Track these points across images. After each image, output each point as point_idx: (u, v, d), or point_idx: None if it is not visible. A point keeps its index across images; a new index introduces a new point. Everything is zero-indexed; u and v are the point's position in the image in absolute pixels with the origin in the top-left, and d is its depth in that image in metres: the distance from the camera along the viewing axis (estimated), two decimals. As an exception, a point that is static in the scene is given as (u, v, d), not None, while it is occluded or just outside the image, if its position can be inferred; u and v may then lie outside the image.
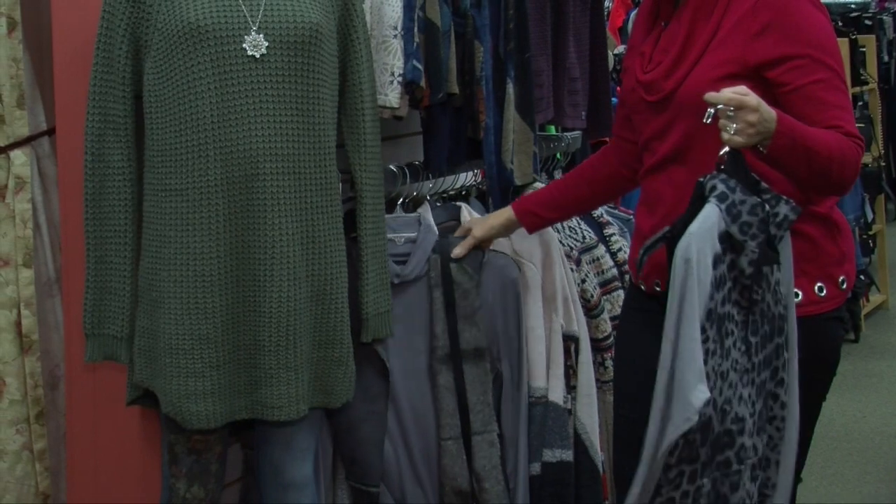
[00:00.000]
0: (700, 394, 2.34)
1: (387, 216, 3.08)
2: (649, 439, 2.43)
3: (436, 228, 3.19)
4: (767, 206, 2.46)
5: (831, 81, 2.59)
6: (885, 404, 5.61)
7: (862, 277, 6.71)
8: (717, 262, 2.40)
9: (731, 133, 2.42)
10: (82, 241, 2.77)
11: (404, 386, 3.13)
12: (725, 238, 2.42)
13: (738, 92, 2.42)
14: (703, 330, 2.37)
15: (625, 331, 3.01)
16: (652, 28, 2.84)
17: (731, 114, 2.41)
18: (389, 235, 3.09)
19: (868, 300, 7.04)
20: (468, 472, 3.12)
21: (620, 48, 5.19)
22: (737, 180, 2.43)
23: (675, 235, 2.45)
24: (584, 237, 3.57)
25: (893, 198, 8.15)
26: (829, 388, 2.79)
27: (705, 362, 2.37)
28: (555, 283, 3.31)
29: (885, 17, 9.33)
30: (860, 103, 7.22)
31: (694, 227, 2.39)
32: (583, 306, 3.41)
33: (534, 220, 3.14)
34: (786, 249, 2.55)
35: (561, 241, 3.46)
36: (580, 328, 3.34)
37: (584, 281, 3.48)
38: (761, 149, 2.47)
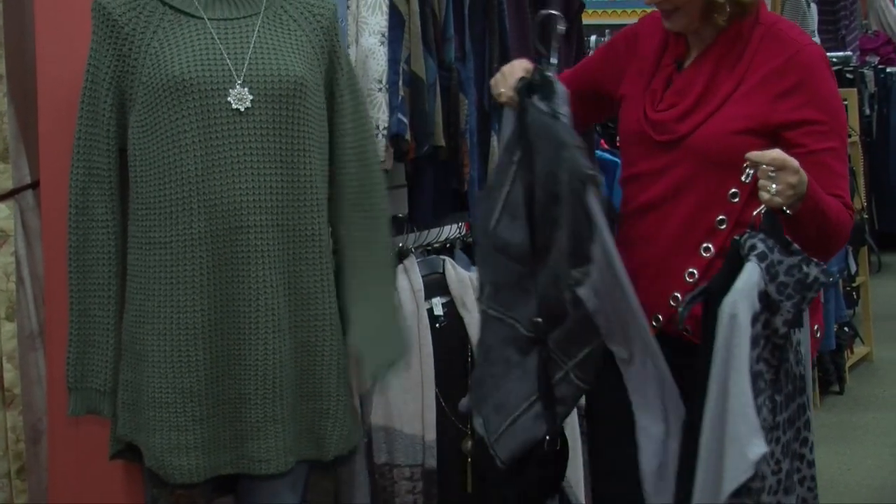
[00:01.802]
0: (756, 448, 2.37)
1: None
2: (700, 498, 2.45)
3: None
4: (804, 267, 2.48)
5: (840, 151, 2.67)
6: (870, 457, 5.60)
7: (846, 329, 6.72)
8: (754, 320, 2.42)
9: (773, 193, 2.44)
10: (66, 295, 2.77)
11: None
12: (763, 297, 2.43)
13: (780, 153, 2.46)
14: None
15: (603, 386, 2.97)
16: (657, 64, 2.83)
17: (772, 174, 2.44)
18: None
19: (852, 352, 7.03)
20: None
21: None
22: (774, 240, 2.46)
23: (712, 292, 2.48)
24: (568, 289, 3.56)
25: (876, 250, 8.16)
26: None
27: None
28: None
29: (866, 71, 9.40)
30: (843, 153, 7.25)
31: (739, 284, 2.41)
32: (567, 359, 3.40)
33: None
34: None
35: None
36: None
37: (568, 333, 3.47)
38: (788, 210, 2.50)
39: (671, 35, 2.82)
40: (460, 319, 3.35)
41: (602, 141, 4.60)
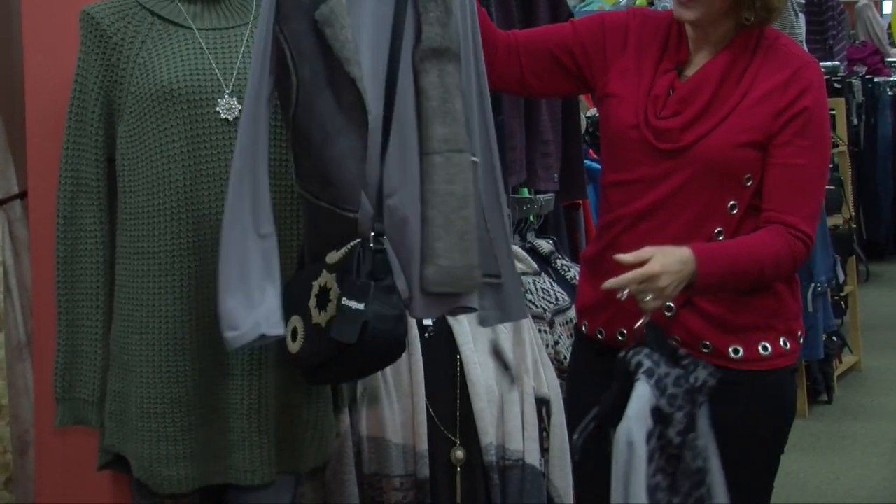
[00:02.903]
0: None
1: None
2: None
3: None
4: (691, 377, 2.54)
5: (813, 170, 2.67)
6: (859, 466, 5.61)
7: (835, 339, 6.73)
8: (649, 437, 2.48)
9: (648, 301, 2.51)
10: (54, 305, 2.77)
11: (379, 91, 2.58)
12: (655, 413, 2.49)
13: (639, 257, 2.49)
14: None
15: (578, 389, 2.99)
16: (655, 69, 2.77)
17: (640, 287, 2.49)
18: None
19: (841, 361, 7.05)
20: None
21: (593, 111, 5.22)
22: (659, 353, 2.52)
23: (605, 414, 2.54)
24: (557, 299, 3.59)
25: (865, 260, 8.20)
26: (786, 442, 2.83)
27: None
28: (524, 346, 3.35)
29: (854, 81, 9.44)
30: (830, 166, 7.27)
31: (632, 410, 2.47)
32: (556, 368, 3.45)
33: None
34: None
35: (534, 303, 3.50)
36: (551, 391, 3.37)
37: (557, 343, 3.50)
38: (694, 291, 2.57)
39: (672, 40, 2.77)
40: (449, 330, 3.34)
41: (591, 151, 4.62)
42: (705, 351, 2.67)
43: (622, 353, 2.54)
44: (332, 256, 2.55)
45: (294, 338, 2.57)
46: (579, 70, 2.86)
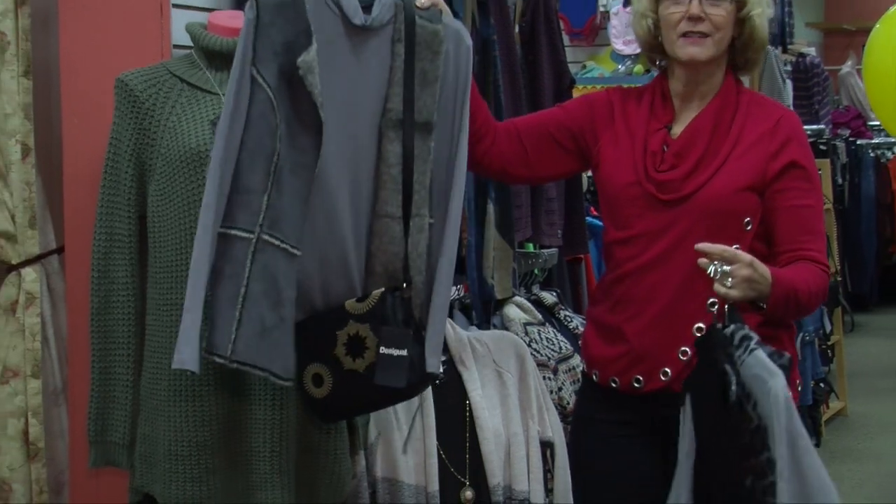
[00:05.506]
0: None
1: None
2: None
3: None
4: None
5: (818, 210, 2.81)
6: (847, 509, 5.68)
7: (822, 385, 6.82)
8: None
9: (728, 287, 2.55)
10: (88, 353, 2.82)
11: (344, 150, 2.70)
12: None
13: (725, 250, 2.56)
14: None
15: (583, 433, 3.06)
16: (646, 128, 2.88)
17: (726, 269, 2.55)
18: None
19: (828, 407, 7.13)
20: (404, 254, 2.73)
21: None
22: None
23: (696, 387, 2.61)
24: (560, 348, 3.68)
25: (850, 311, 8.32)
26: None
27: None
28: (530, 392, 3.39)
29: (838, 143, 9.59)
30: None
31: (776, 369, 2.46)
32: (560, 413, 3.49)
33: None
34: None
35: (539, 352, 3.58)
36: (555, 434, 3.41)
37: (560, 389, 3.56)
38: (762, 305, 2.62)
39: (657, 102, 2.89)
40: (459, 376, 3.38)
41: (592, 208, 4.68)
42: None
43: (717, 328, 2.55)
44: (356, 306, 2.66)
45: (318, 384, 2.67)
46: (577, 147, 2.98)
